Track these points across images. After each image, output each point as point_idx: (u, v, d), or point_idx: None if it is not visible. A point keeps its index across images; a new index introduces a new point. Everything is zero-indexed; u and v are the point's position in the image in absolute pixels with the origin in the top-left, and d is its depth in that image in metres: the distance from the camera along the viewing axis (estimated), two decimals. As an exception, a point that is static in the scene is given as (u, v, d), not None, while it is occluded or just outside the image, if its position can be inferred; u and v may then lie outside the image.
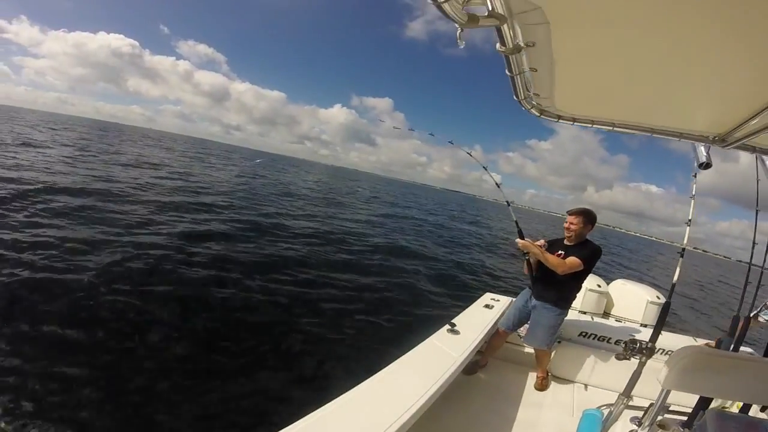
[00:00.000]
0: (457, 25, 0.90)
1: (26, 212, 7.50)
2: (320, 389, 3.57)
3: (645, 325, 3.98)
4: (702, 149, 1.89)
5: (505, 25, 0.99)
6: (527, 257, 3.18)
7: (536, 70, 1.23)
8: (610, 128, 1.67)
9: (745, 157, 1.83)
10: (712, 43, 0.97)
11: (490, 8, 0.91)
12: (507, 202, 3.58)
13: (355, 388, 1.86)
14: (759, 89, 1.17)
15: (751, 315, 2.41)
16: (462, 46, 0.94)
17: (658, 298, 4.10)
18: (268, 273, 6.60)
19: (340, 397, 1.77)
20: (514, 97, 1.45)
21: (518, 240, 3.14)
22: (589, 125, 1.68)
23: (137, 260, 5.99)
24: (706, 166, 1.93)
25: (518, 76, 1.29)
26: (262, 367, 3.95)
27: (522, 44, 1.06)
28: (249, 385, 3.64)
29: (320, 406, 1.67)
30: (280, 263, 7.30)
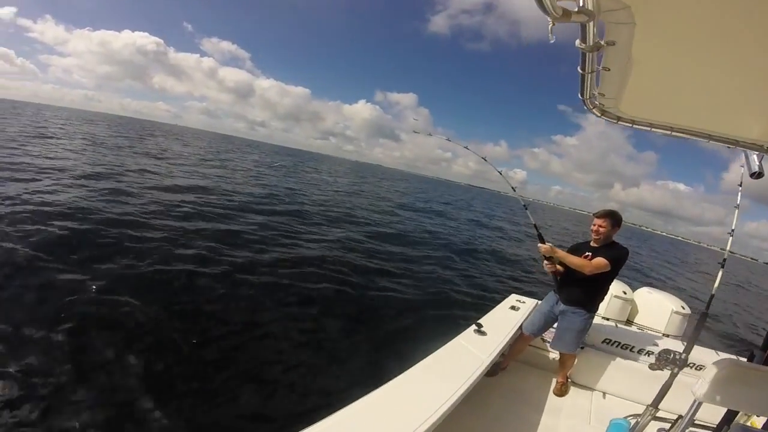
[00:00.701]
0: (549, 19, 0.91)
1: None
2: (344, 388, 3.54)
3: (667, 335, 3.95)
4: (755, 158, 1.86)
5: (592, 22, 0.99)
6: (552, 261, 3.17)
7: (609, 70, 1.23)
8: (668, 132, 1.66)
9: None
10: None
11: (581, 4, 0.91)
12: (524, 205, 3.63)
13: (384, 386, 1.89)
14: None
15: None
16: (552, 41, 0.95)
17: (683, 308, 4.06)
18: (276, 267, 6.55)
19: (368, 395, 1.79)
20: (579, 96, 1.44)
21: (540, 245, 3.14)
22: (648, 129, 1.66)
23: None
24: (759, 175, 1.88)
25: (589, 75, 1.28)
26: (284, 365, 3.92)
27: (603, 42, 1.06)
28: (270, 383, 3.62)
29: (346, 406, 1.68)
30: (294, 259, 7.23)
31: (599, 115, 1.57)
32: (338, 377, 3.83)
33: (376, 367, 3.94)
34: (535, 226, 3.31)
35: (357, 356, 4.28)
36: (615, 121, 1.62)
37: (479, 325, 2.87)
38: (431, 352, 2.37)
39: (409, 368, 2.12)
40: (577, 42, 1.08)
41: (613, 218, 3.05)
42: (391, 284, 6.92)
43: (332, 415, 1.61)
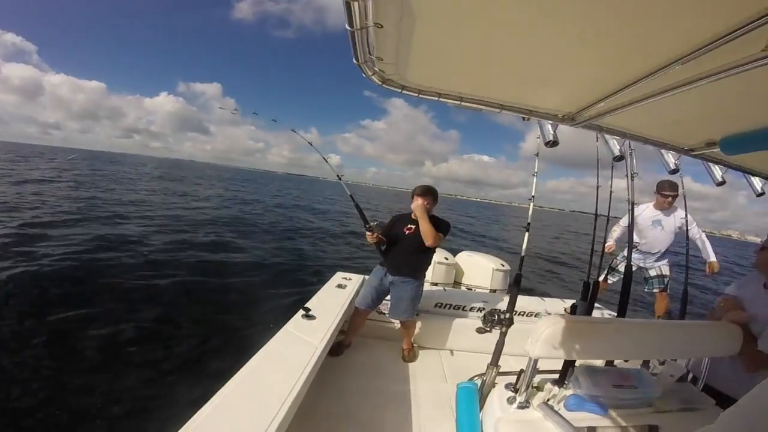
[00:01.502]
0: None
1: None
2: (169, 406, 3.09)
3: (494, 291, 4.26)
4: (549, 128, 1.86)
5: None
6: (373, 230, 3.11)
7: (381, 27, 1.01)
8: (458, 102, 1.52)
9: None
10: (568, 31, 0.98)
11: None
12: (338, 176, 3.46)
13: (217, 394, 1.63)
14: (609, 75, 1.18)
15: (600, 279, 2.55)
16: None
17: (503, 265, 4.44)
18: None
19: (200, 410, 1.53)
20: (354, 61, 1.21)
21: (419, 202, 3.08)
22: (436, 98, 1.51)
23: None
24: (553, 144, 1.91)
25: (360, 32, 1.04)
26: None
27: None
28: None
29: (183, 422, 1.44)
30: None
31: (380, 83, 1.36)
32: (144, 404, 3.22)
33: (193, 385, 3.42)
34: (351, 196, 3.28)
35: (169, 374, 3.67)
36: (399, 90, 1.43)
37: (307, 309, 2.70)
38: (258, 350, 2.10)
39: (236, 372, 1.84)
40: None
41: (433, 194, 3.17)
42: (195, 283, 6.25)
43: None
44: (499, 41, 1.08)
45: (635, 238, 4.27)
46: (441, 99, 1.50)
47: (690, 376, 2.08)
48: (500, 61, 1.23)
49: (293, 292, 6.20)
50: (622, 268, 4.42)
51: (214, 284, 6.29)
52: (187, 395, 3.21)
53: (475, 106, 1.55)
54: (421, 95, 1.46)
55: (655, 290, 4.45)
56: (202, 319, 4.84)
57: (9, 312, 4.40)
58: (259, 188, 40.04)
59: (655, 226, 4.27)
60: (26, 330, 4.08)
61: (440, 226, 3.12)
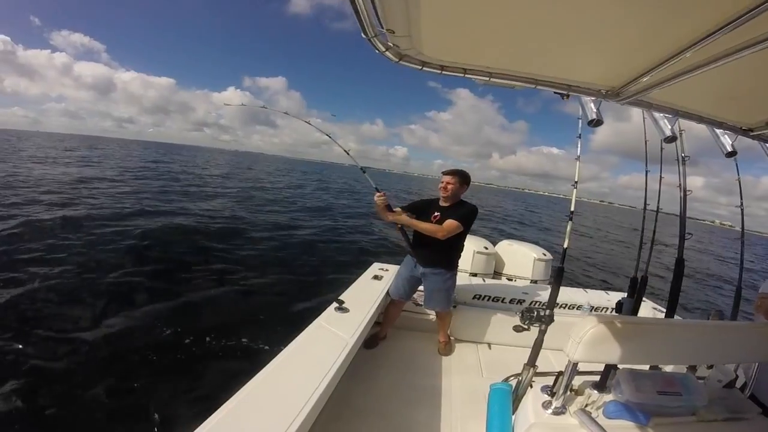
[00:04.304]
0: None
1: None
2: (201, 397, 3.20)
3: (535, 282, 4.10)
4: (592, 105, 1.71)
5: None
6: (400, 225, 3.07)
7: None
8: (486, 78, 1.41)
9: (637, 117, 1.70)
10: None
11: None
12: (361, 168, 3.38)
13: (242, 390, 1.66)
14: (659, 41, 1.04)
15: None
16: None
17: (545, 255, 4.28)
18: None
19: (225, 404, 1.57)
20: (362, 35, 1.10)
21: (387, 215, 3.02)
22: (461, 75, 1.40)
23: None
24: (597, 123, 1.75)
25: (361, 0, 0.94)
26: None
27: None
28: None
29: (206, 417, 1.47)
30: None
31: (396, 60, 1.26)
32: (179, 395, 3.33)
33: (224, 384, 3.53)
34: (376, 188, 3.17)
35: (201, 368, 3.76)
36: (419, 67, 1.33)
37: (340, 302, 2.70)
38: (289, 344, 2.11)
39: (263, 367, 1.85)
40: None
41: (462, 176, 3.06)
42: (233, 272, 6.51)
43: (199, 427, 1.41)
44: (531, 7, 0.97)
45: None
46: (467, 75, 1.39)
47: (738, 381, 1.91)
48: (534, 29, 1.10)
49: (329, 282, 6.37)
50: None
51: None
52: (218, 391, 3.29)
53: (506, 82, 1.43)
54: (444, 72, 1.36)
55: None
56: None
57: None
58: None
59: None
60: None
61: (460, 210, 2.98)
